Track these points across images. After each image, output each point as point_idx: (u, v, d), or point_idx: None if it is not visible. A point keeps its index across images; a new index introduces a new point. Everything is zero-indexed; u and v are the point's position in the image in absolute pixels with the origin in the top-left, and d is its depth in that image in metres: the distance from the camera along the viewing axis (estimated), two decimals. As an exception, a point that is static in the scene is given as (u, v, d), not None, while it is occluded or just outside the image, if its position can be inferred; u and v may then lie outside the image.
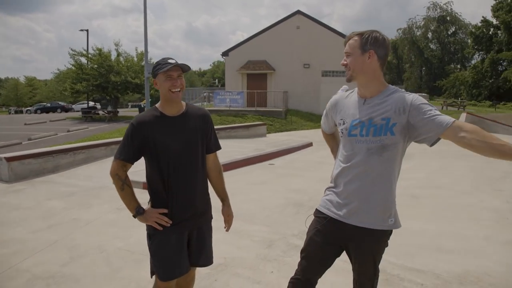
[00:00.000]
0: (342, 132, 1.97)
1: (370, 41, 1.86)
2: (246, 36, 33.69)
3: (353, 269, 2.07)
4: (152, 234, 2.11)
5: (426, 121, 1.75)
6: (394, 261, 3.55)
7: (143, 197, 2.17)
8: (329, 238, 2.00)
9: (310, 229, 2.08)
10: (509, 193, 6.11)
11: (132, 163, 2.10)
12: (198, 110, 2.24)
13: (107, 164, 8.34)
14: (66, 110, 43.20)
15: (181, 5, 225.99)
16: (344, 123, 1.96)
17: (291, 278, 2.12)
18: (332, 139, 2.36)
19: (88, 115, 27.74)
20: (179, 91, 2.07)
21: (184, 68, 2.09)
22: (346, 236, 1.96)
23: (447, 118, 1.72)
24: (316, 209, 2.09)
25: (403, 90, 1.91)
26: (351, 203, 1.92)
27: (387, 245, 2.01)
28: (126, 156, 2.06)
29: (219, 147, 2.33)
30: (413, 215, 5.03)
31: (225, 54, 27.12)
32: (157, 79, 2.07)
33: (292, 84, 25.63)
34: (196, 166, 2.15)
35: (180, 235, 2.12)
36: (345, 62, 1.92)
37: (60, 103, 45.76)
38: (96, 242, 4.04)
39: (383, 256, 3.45)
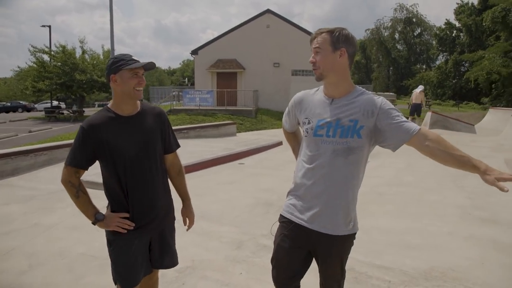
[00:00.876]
0: (307, 132, 1.89)
1: (342, 39, 1.79)
2: (216, 35, 33.46)
3: (320, 271, 2.04)
4: (112, 240, 2.02)
5: (393, 126, 1.74)
6: (362, 259, 3.58)
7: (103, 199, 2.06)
8: (296, 242, 1.95)
9: (277, 235, 2.04)
10: (470, 189, 6.32)
11: (86, 169, 1.98)
12: (153, 108, 2.15)
13: (71, 165, 8.05)
14: (28, 109, 41.51)
15: (150, 2, 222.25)
16: (309, 123, 1.89)
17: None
18: (293, 138, 2.28)
19: (52, 115, 26.77)
20: (142, 90, 1.99)
21: (148, 67, 2.00)
22: (312, 241, 1.93)
23: (413, 126, 1.74)
24: (281, 215, 2.04)
25: (371, 92, 1.88)
26: (314, 207, 1.88)
27: (352, 245, 2.00)
28: (78, 162, 1.95)
29: (178, 145, 2.26)
30: (380, 212, 5.11)
31: (194, 52, 26.82)
32: (118, 75, 1.93)
33: (262, 83, 25.66)
34: (155, 168, 2.07)
35: (142, 239, 2.04)
36: (314, 60, 1.83)
37: (21, 102, 43.94)
38: (57, 248, 3.86)
39: (351, 254, 3.47)
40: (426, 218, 4.86)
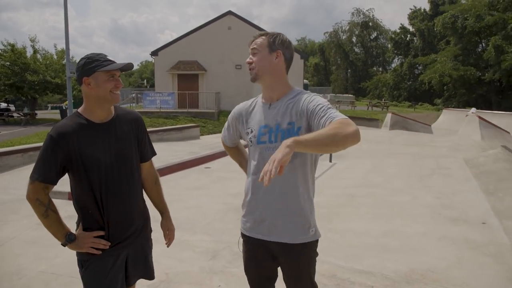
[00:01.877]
0: (251, 141, 1.84)
1: (278, 42, 1.82)
2: (175, 36, 32.91)
3: (288, 286, 1.92)
4: (85, 261, 1.77)
5: (318, 119, 1.64)
6: (343, 264, 3.51)
7: (69, 209, 1.79)
8: (261, 258, 1.91)
9: (243, 252, 1.99)
10: (437, 189, 6.47)
11: (55, 183, 1.72)
12: (128, 113, 1.92)
13: (24, 173, 7.48)
14: (-27, 112, 38.87)
15: (105, 1, 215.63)
16: (252, 131, 1.85)
17: None
18: (237, 153, 2.21)
19: (0, 118, 25.16)
20: (119, 93, 1.77)
21: (126, 69, 1.78)
22: (274, 252, 1.86)
23: (335, 115, 1.59)
24: (241, 232, 1.97)
25: (307, 91, 1.83)
26: (267, 219, 1.82)
27: (317, 255, 1.91)
28: (46, 177, 1.68)
29: (154, 153, 2.05)
30: (354, 215, 5.09)
31: (154, 53, 26.16)
32: (92, 78, 1.70)
33: (225, 85, 25.44)
34: (132, 179, 1.85)
35: (119, 258, 1.81)
36: (251, 60, 1.83)
37: (-34, 104, 41.11)
38: (13, 266, 3.48)
39: (331, 260, 3.36)
40: (399, 219, 4.89)
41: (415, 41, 49.00)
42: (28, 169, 7.83)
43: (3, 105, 30.59)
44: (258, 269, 1.95)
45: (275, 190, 1.76)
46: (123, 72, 1.85)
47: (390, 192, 6.27)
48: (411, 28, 49.17)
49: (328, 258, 3.58)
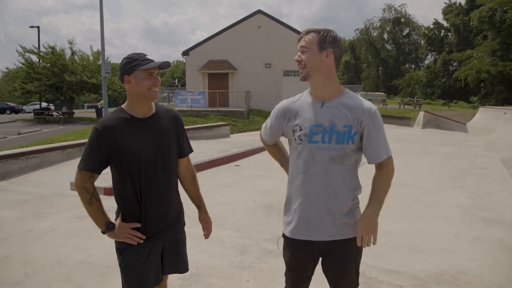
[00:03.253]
0: (301, 139, 1.81)
1: (329, 40, 1.78)
2: (205, 36, 33.32)
3: (333, 282, 1.96)
4: (123, 249, 1.89)
5: (372, 143, 1.79)
6: (371, 263, 3.50)
7: (105, 204, 1.92)
8: (305, 259, 1.92)
9: (285, 253, 1.99)
10: (471, 189, 6.30)
11: (99, 173, 1.86)
12: (168, 111, 2.04)
13: (63, 169, 7.86)
14: (16, 111, 40.77)
15: (138, 3, 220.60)
16: (301, 129, 1.82)
17: None
18: (278, 152, 2.17)
19: (41, 117, 26.28)
20: (158, 90, 1.88)
21: (163, 67, 1.89)
22: (321, 252, 1.89)
23: (383, 153, 1.80)
24: (283, 233, 1.97)
25: (359, 96, 1.87)
26: (316, 218, 1.82)
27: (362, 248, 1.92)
28: (92, 166, 1.81)
29: (191, 150, 2.16)
30: (382, 214, 5.02)
31: (185, 53, 26.61)
32: (132, 76, 1.82)
33: (254, 83, 25.55)
34: (169, 173, 1.96)
35: (153, 248, 1.93)
36: (300, 58, 1.81)
37: (9, 103, 43.17)
38: (54, 256, 3.70)
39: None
40: (429, 220, 4.81)
41: (450, 36, 47.35)
42: (67, 165, 8.22)
43: (44, 104, 32.00)
44: (301, 270, 1.95)
45: (326, 189, 1.79)
46: (160, 71, 1.96)
47: (421, 192, 6.16)
48: (445, 23, 47.54)
49: (356, 256, 3.58)
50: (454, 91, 43.32)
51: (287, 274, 2.01)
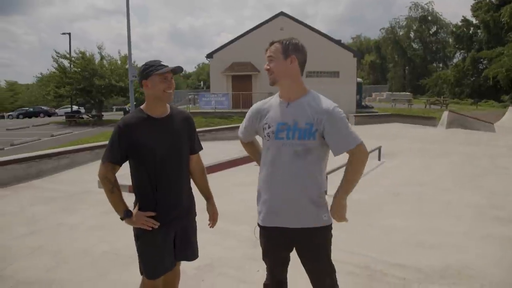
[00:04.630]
0: (269, 136, 2.04)
1: (291, 48, 2.00)
2: (230, 38, 33.68)
3: (308, 270, 2.14)
4: (140, 235, 2.15)
5: (334, 135, 1.94)
6: (377, 257, 3.63)
7: (129, 200, 2.19)
8: (279, 244, 2.12)
9: (260, 240, 2.20)
10: (489, 189, 6.28)
11: (121, 165, 2.13)
12: (181, 112, 2.31)
13: (91, 168, 8.28)
14: (49, 114, 42.51)
15: (165, 7, 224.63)
16: (269, 127, 2.04)
17: (264, 283, 2.27)
18: (252, 149, 2.41)
19: (72, 120, 27.40)
20: (172, 92, 2.13)
21: (176, 71, 2.14)
22: (292, 238, 2.07)
23: (352, 141, 1.94)
24: (258, 222, 2.18)
25: (322, 96, 2.05)
26: (282, 207, 2.02)
27: (331, 236, 2.11)
28: (114, 158, 2.09)
29: (201, 148, 2.42)
30: (396, 212, 5.14)
31: (209, 56, 27.08)
32: (149, 80, 2.08)
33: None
34: (181, 168, 2.22)
35: (166, 234, 2.17)
36: (268, 67, 2.02)
37: (43, 107, 45.01)
38: (81, 247, 4.02)
39: (365, 252, 3.53)
40: (442, 218, 4.87)
41: (479, 33, 45.88)
42: (95, 164, 8.64)
43: (74, 107, 33.21)
44: (275, 254, 2.16)
45: (291, 181, 1.99)
46: (180, 75, 2.21)
47: (437, 191, 6.19)
48: (474, 20, 46.13)
49: (363, 250, 3.72)
50: (484, 90, 41.95)
51: (263, 259, 2.23)
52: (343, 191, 2.00)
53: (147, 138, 2.08)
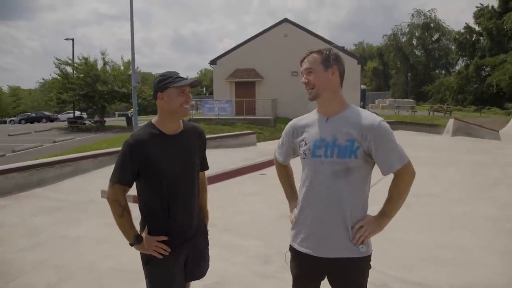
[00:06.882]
0: (305, 154, 1.86)
1: (332, 57, 1.83)
2: (233, 44, 33.71)
3: None
4: (149, 260, 1.99)
5: (383, 153, 1.78)
6: (394, 274, 3.49)
7: (133, 211, 2.04)
8: (311, 273, 1.93)
9: (292, 267, 2.01)
10: (502, 200, 6.12)
11: (131, 186, 1.96)
12: (194, 127, 2.15)
13: (95, 176, 8.16)
14: (51, 120, 42.54)
15: (167, 13, 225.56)
16: (306, 144, 1.86)
17: None
18: (286, 175, 2.21)
19: (75, 125, 27.30)
20: (189, 107, 1.99)
21: (195, 85, 2.01)
22: (325, 268, 1.87)
23: (396, 162, 1.77)
24: (290, 245, 1.99)
25: (365, 110, 1.88)
26: (320, 233, 1.83)
27: (370, 267, 1.91)
28: (125, 179, 1.91)
29: (208, 167, 2.27)
30: (408, 224, 4.97)
31: (213, 62, 27.04)
32: (165, 93, 1.92)
33: (281, 91, 25.60)
34: (194, 187, 2.07)
35: (178, 256, 2.02)
36: (307, 80, 1.84)
37: (45, 113, 45.06)
38: (86, 261, 3.87)
39: (382, 269, 3.38)
40: (456, 231, 4.72)
41: (482, 41, 45.86)
42: (98, 172, 8.51)
43: (77, 113, 33.21)
44: (307, 284, 1.96)
45: (329, 205, 1.79)
46: (193, 88, 2.06)
47: (448, 202, 6.03)
48: (477, 28, 46.14)
49: (379, 267, 3.56)
50: (487, 97, 41.81)
51: (293, 287, 2.03)
52: (386, 213, 1.85)
53: (159, 156, 1.91)
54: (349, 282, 1.86)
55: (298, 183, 2.11)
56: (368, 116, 1.81)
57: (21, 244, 4.39)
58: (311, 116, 1.95)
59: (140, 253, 2.04)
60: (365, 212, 1.87)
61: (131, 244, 1.96)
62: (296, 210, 1.98)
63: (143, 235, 1.99)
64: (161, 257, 1.95)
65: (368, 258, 1.86)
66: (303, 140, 1.89)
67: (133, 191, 2.02)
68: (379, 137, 1.75)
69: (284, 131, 2.08)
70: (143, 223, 2.06)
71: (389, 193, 1.87)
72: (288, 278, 3.44)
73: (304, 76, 1.86)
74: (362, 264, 1.85)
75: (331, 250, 1.81)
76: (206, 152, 2.21)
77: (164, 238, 1.96)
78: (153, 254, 1.94)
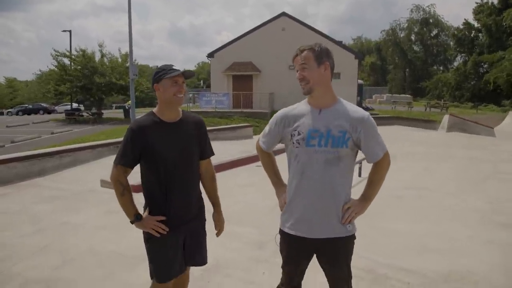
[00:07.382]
0: (299, 143, 1.98)
1: (324, 53, 1.95)
2: (231, 36, 33.66)
3: (328, 275, 2.14)
4: (149, 238, 2.16)
5: (369, 144, 1.98)
6: (381, 260, 3.65)
7: (136, 198, 2.19)
8: (300, 253, 2.10)
9: (282, 248, 2.17)
10: (492, 194, 6.30)
11: (133, 168, 2.13)
12: (193, 117, 2.30)
13: (94, 167, 8.29)
14: (48, 111, 42.47)
15: (165, 4, 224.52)
16: (299, 134, 1.98)
17: (278, 286, 2.26)
18: (270, 162, 2.34)
19: (72, 117, 27.37)
20: (183, 96, 2.13)
21: (187, 75, 2.15)
22: (315, 248, 2.06)
23: (379, 152, 2.00)
24: (280, 229, 2.15)
25: (352, 104, 2.06)
26: (310, 217, 1.99)
27: (353, 245, 2.11)
28: (127, 162, 2.09)
29: (212, 153, 2.40)
30: (399, 216, 5.16)
31: (210, 55, 27.10)
32: (160, 85, 2.10)
33: (278, 85, 25.72)
34: (192, 173, 2.22)
35: (176, 238, 2.18)
36: (302, 76, 1.95)
37: (42, 104, 44.97)
38: (87, 246, 4.03)
39: (370, 256, 3.55)
40: (445, 222, 4.89)
41: (481, 37, 45.95)
42: (97, 163, 8.64)
43: (74, 105, 33.18)
44: (297, 264, 2.13)
45: (322, 190, 1.96)
46: (187, 78, 2.21)
47: (440, 195, 6.21)
48: (476, 24, 46.18)
49: (368, 254, 3.73)
50: (484, 94, 41.98)
51: (283, 267, 2.20)
52: (367, 197, 2.07)
53: (158, 142, 2.08)
54: (338, 258, 2.06)
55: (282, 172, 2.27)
56: (357, 110, 1.99)
57: (23, 230, 4.54)
58: (302, 107, 2.06)
59: (143, 234, 2.20)
60: (350, 196, 2.06)
61: (132, 222, 2.12)
62: (285, 195, 2.13)
63: (144, 214, 2.15)
64: (159, 235, 2.10)
65: (353, 236, 2.07)
66: (295, 130, 2.00)
67: (135, 180, 2.17)
68: (367, 130, 1.95)
69: (272, 119, 2.17)
70: (145, 206, 2.22)
71: (369, 178, 2.09)
72: (280, 262, 3.63)
73: (299, 72, 1.98)
74: (349, 242, 2.06)
75: (322, 232, 1.99)
76: (207, 140, 2.35)
77: (162, 218, 2.12)
78: (151, 232, 2.10)
